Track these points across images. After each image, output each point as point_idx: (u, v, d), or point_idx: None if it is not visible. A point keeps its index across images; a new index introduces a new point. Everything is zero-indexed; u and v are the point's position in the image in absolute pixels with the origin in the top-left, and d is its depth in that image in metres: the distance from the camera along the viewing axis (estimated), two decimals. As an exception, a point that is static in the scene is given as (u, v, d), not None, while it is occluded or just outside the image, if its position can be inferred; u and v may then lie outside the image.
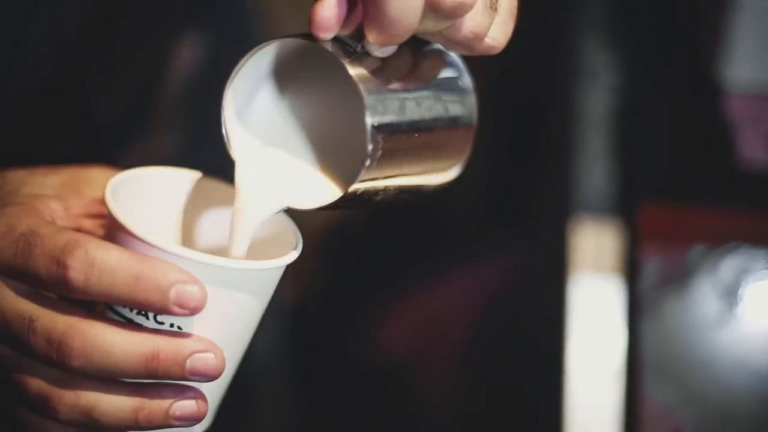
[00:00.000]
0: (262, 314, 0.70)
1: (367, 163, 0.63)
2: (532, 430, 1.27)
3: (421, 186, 0.69)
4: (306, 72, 0.68)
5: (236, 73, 0.66)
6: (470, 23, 0.63)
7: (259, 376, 1.23)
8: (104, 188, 0.67)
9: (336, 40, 0.63)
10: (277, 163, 0.68)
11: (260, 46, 0.65)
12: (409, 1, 0.59)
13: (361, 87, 0.62)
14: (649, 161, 1.21)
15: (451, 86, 0.69)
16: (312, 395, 1.37)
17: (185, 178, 0.72)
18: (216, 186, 0.72)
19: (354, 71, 0.63)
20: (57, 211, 0.69)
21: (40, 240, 0.64)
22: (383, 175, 0.65)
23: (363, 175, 0.63)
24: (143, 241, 0.64)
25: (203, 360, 0.65)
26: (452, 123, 0.69)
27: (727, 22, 1.20)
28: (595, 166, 1.23)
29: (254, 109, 0.68)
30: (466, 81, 0.70)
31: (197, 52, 1.02)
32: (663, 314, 1.05)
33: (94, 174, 0.72)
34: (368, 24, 0.61)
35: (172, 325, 0.65)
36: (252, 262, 0.66)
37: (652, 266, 1.08)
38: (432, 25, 0.62)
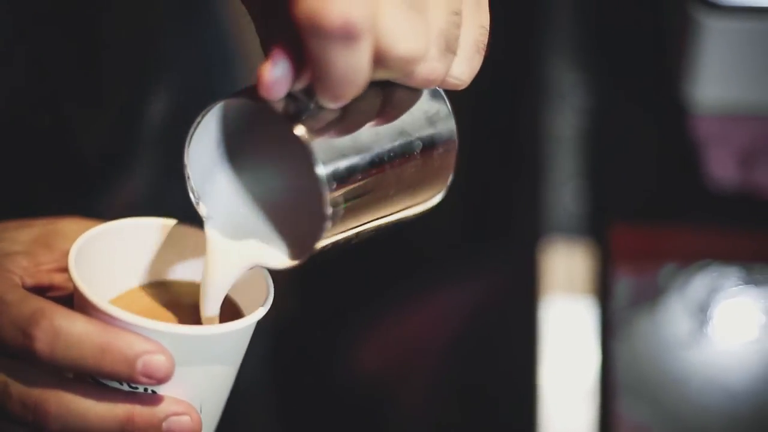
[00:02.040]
0: (239, 365, 0.70)
1: (328, 225, 0.61)
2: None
3: (400, 220, 0.68)
4: (265, 127, 0.66)
5: (194, 130, 0.64)
6: (424, 70, 0.60)
7: (238, 396, 1.23)
8: (75, 240, 0.67)
9: (289, 96, 0.61)
10: (245, 220, 0.67)
11: (211, 105, 0.63)
12: (353, 62, 0.57)
13: (315, 149, 0.60)
14: (618, 182, 1.22)
15: (424, 117, 0.66)
16: (291, 415, 1.37)
17: (155, 226, 0.71)
18: (187, 232, 0.71)
19: (305, 131, 0.60)
20: (27, 268, 0.68)
21: (6, 308, 0.63)
22: (354, 225, 0.64)
23: (329, 233, 0.62)
24: (107, 314, 0.63)
25: (179, 422, 0.65)
26: (427, 155, 0.66)
27: (694, 43, 1.21)
28: (565, 188, 1.24)
29: (219, 165, 0.66)
30: (441, 107, 0.67)
31: (178, 89, 1.02)
32: (635, 333, 1.06)
33: (66, 226, 0.71)
34: (315, 85, 0.59)
35: (146, 389, 0.64)
36: (217, 327, 0.66)
37: (623, 286, 1.09)
38: (385, 76, 0.60)
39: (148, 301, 0.71)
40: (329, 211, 0.60)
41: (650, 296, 1.08)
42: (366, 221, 0.64)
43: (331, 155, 0.61)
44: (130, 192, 1.00)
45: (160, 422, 0.64)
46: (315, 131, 0.61)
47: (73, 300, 0.66)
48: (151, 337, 0.63)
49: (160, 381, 0.63)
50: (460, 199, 1.50)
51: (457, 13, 0.60)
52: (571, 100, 1.32)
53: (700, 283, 1.09)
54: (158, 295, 0.71)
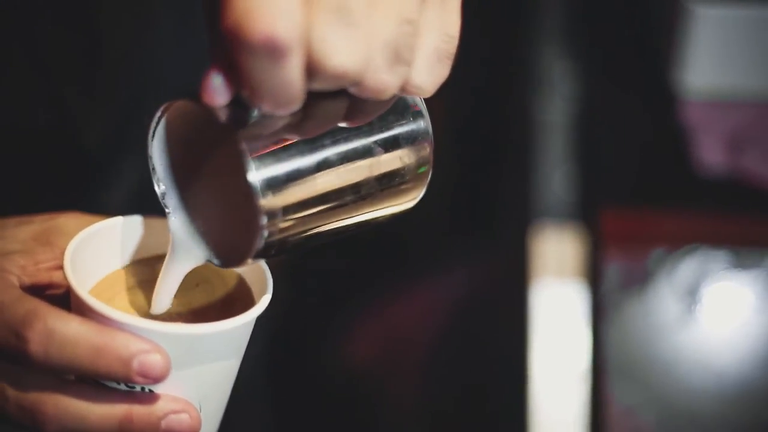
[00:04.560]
0: (241, 360, 0.69)
1: (264, 233, 0.60)
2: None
3: (371, 221, 0.66)
4: (217, 131, 0.64)
5: (155, 126, 0.64)
6: (371, 82, 0.57)
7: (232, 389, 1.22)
8: (72, 239, 0.67)
9: (237, 103, 0.59)
10: (201, 217, 0.66)
11: (168, 104, 0.63)
12: (281, 76, 0.55)
13: (249, 157, 0.59)
14: (608, 167, 1.22)
15: (388, 121, 0.63)
16: (281, 407, 1.37)
17: (149, 222, 0.71)
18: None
19: (242, 138, 0.58)
20: (25, 267, 0.68)
21: (1, 309, 0.62)
22: (302, 231, 0.62)
23: (270, 239, 0.60)
24: (102, 314, 0.62)
25: (177, 421, 0.64)
26: (392, 159, 0.64)
27: (683, 30, 1.22)
28: (555, 174, 1.24)
29: (182, 161, 0.66)
30: (408, 108, 0.64)
31: (181, 82, 1.02)
32: (625, 317, 1.06)
33: (66, 222, 0.70)
34: (249, 96, 0.57)
35: (143, 389, 0.64)
36: (212, 326, 0.64)
37: (613, 270, 1.09)
38: (325, 87, 0.57)
39: (130, 279, 0.70)
40: (263, 220, 0.59)
41: (639, 280, 1.08)
42: (319, 227, 0.63)
43: (269, 163, 0.59)
44: (133, 184, 0.99)
45: (159, 421, 0.64)
46: (254, 138, 0.59)
47: (70, 300, 0.66)
48: (146, 336, 0.62)
49: (157, 380, 0.62)
50: (451, 187, 1.50)
51: (410, 22, 0.57)
52: (560, 87, 1.32)
53: (688, 267, 1.09)
54: (140, 273, 0.71)
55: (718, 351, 1.05)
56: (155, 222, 0.71)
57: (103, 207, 0.75)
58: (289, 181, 0.60)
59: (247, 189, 0.59)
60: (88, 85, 0.92)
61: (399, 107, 0.64)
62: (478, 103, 1.49)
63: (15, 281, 0.66)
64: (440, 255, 1.49)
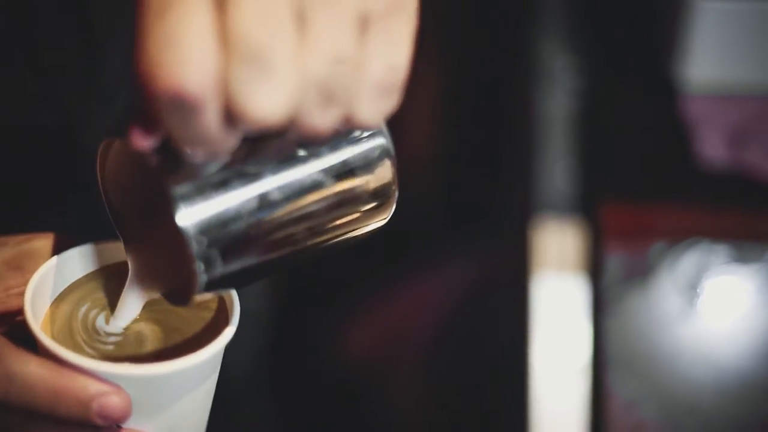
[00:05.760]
0: (214, 384, 0.68)
1: (203, 279, 0.58)
2: (498, 427, 1.28)
3: (338, 244, 0.64)
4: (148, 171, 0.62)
5: (99, 161, 0.63)
6: (302, 127, 0.54)
7: (231, 382, 1.22)
8: (39, 269, 0.66)
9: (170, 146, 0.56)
10: (148, 254, 0.65)
11: (105, 142, 0.61)
12: (196, 127, 0.52)
13: (179, 202, 0.56)
14: (609, 161, 1.22)
15: (336, 148, 0.61)
16: (281, 401, 1.37)
17: (116, 248, 0.69)
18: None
19: (171, 183, 0.57)
20: None
21: None
22: (249, 266, 0.60)
23: (210, 280, 0.59)
24: (60, 357, 0.61)
25: None
26: (346, 185, 0.61)
27: (685, 24, 1.22)
28: (556, 167, 1.24)
29: (130, 198, 0.64)
30: (359, 132, 0.62)
31: None
32: (626, 310, 1.06)
33: (39, 245, 0.69)
34: (175, 143, 0.55)
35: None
36: (172, 364, 0.63)
37: (614, 263, 1.09)
38: (254, 132, 0.54)
39: (93, 284, 0.69)
40: (197, 267, 0.58)
41: (640, 274, 1.08)
42: (270, 261, 0.61)
43: (200, 207, 0.57)
44: None
45: None
46: (184, 181, 0.57)
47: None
48: (106, 378, 0.61)
49: (118, 421, 0.62)
50: (452, 180, 1.51)
51: (344, 60, 0.53)
52: (562, 81, 1.32)
53: (689, 260, 1.10)
54: (105, 278, 0.70)
55: (719, 344, 1.05)
56: (116, 246, 0.69)
57: (101, 209, 0.75)
58: (225, 223, 0.58)
59: (179, 235, 0.57)
60: (88, 86, 0.92)
61: (352, 130, 0.61)
62: (480, 96, 1.49)
63: None
64: (441, 248, 1.49)
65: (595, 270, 1.12)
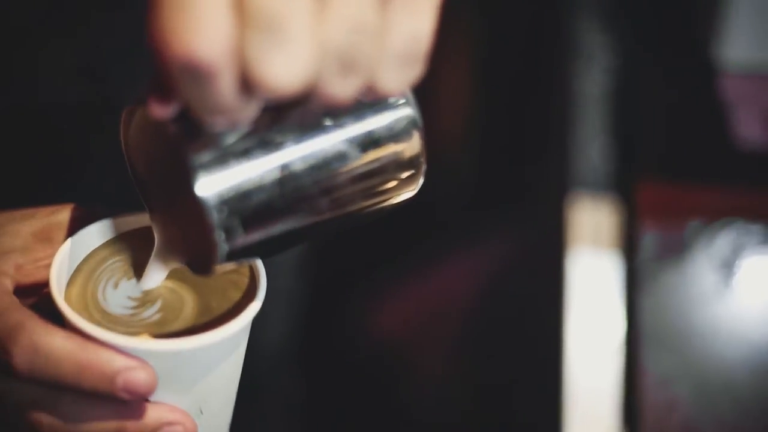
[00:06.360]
0: (242, 358, 0.68)
1: (224, 249, 0.58)
2: (532, 403, 1.28)
3: (365, 217, 0.63)
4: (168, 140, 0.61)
5: (124, 128, 0.63)
6: (322, 95, 0.54)
7: (262, 361, 1.22)
8: (65, 243, 0.66)
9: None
10: (172, 223, 0.64)
11: (127, 109, 0.61)
12: (211, 95, 0.52)
13: (199, 172, 0.56)
14: (646, 139, 1.22)
15: (361, 117, 0.60)
16: (311, 379, 1.37)
17: (141, 221, 0.69)
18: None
19: (190, 153, 0.56)
20: (23, 266, 0.67)
21: None
22: (270, 237, 0.59)
23: (231, 251, 0.58)
24: (86, 333, 0.61)
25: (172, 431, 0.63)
26: (371, 155, 0.60)
27: (723, 3, 1.22)
28: (593, 145, 1.24)
29: (154, 166, 0.63)
30: (386, 100, 0.61)
31: None
32: (660, 288, 1.07)
33: (68, 217, 0.69)
34: (191, 111, 0.54)
35: None
36: (200, 338, 0.62)
37: (649, 241, 1.10)
38: (272, 101, 0.54)
39: (120, 245, 0.69)
40: (218, 236, 0.57)
41: (675, 251, 1.09)
42: (293, 232, 0.60)
43: (220, 176, 0.57)
44: None
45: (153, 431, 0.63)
46: (203, 150, 0.57)
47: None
48: (131, 353, 0.61)
49: (143, 396, 0.61)
50: (488, 157, 1.51)
51: (365, 28, 0.52)
52: (599, 59, 1.32)
53: (724, 239, 1.10)
54: (117, 232, 0.70)
55: (753, 323, 1.05)
56: (140, 219, 0.69)
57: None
58: (245, 193, 0.57)
59: (198, 204, 0.57)
60: (127, 59, 0.92)
61: (378, 100, 0.61)
62: (517, 74, 1.49)
63: (8, 284, 0.65)
64: (474, 226, 1.49)
65: (631, 248, 1.12)
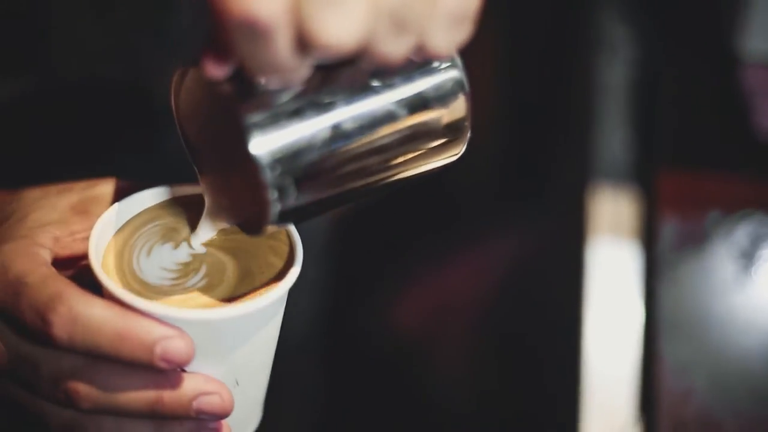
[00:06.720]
0: (278, 329, 0.69)
1: (276, 207, 0.59)
2: (551, 391, 1.29)
3: (411, 177, 0.64)
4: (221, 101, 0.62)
5: (174, 89, 0.64)
6: (375, 54, 0.55)
7: (283, 349, 1.22)
8: (103, 214, 0.67)
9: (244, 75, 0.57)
10: (224, 184, 0.65)
11: (180, 71, 0.62)
12: (268, 54, 0.53)
13: (253, 131, 0.57)
14: (666, 130, 1.23)
15: (409, 78, 0.61)
16: (331, 372, 1.38)
17: (177, 191, 0.70)
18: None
19: (244, 111, 0.57)
20: (60, 239, 0.68)
21: (27, 290, 0.62)
22: (321, 197, 0.61)
23: (283, 209, 0.59)
24: (125, 302, 0.62)
25: (208, 402, 0.64)
26: (419, 117, 0.62)
27: (745, -5, 1.22)
28: (614, 135, 1.24)
29: (206, 128, 0.65)
30: (434, 62, 0.62)
31: None
32: (679, 277, 1.07)
33: (104, 191, 0.70)
34: (246, 70, 0.56)
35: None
36: (238, 307, 0.63)
37: (669, 230, 1.10)
38: (327, 59, 0.55)
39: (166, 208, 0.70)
40: (270, 195, 0.58)
41: (695, 241, 1.09)
42: (342, 192, 0.61)
43: (273, 135, 0.58)
44: None
45: (190, 402, 0.63)
46: (257, 110, 0.58)
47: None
48: (170, 322, 0.62)
49: (180, 365, 0.62)
50: (510, 146, 1.51)
51: None
52: (622, 51, 1.33)
53: (743, 230, 1.10)
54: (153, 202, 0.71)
55: (771, 313, 1.05)
56: (189, 189, 0.70)
57: (165, 153, 0.75)
58: (298, 152, 0.58)
59: (252, 163, 0.58)
60: (162, 37, 0.93)
61: (427, 61, 0.62)
62: (539, 64, 1.49)
63: (46, 256, 0.66)
64: (496, 215, 1.49)
65: (650, 237, 1.12)
